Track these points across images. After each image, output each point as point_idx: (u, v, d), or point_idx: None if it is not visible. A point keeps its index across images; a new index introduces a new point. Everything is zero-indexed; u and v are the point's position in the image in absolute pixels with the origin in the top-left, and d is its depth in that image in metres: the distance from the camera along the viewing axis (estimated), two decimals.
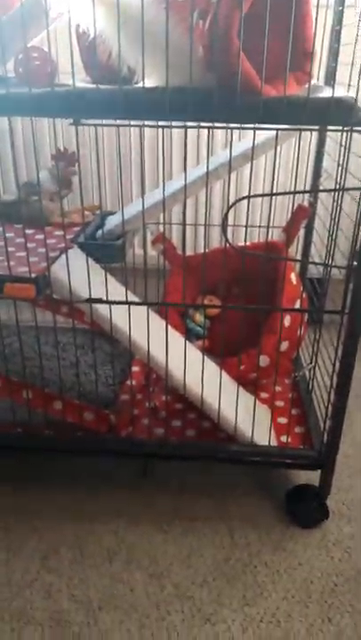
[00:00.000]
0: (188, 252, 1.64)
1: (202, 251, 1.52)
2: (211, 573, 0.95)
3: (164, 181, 0.91)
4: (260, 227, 1.37)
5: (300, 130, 0.81)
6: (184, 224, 1.21)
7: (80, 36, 0.93)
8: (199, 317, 1.36)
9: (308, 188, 1.32)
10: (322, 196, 1.27)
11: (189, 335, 1.36)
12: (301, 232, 1.32)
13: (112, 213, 1.33)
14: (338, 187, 0.94)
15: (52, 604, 0.89)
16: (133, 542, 1.01)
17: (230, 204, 0.86)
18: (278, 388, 1.29)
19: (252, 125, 0.78)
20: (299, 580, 0.94)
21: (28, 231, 1.15)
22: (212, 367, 1.11)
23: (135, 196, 1.64)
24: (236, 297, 1.37)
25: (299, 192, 0.88)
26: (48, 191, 1.19)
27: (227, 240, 0.88)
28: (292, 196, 0.87)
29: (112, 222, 1.25)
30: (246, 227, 1.06)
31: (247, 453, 1.04)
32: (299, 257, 1.38)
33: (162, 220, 1.27)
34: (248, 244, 1.30)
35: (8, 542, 1.01)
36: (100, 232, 1.23)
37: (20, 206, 1.16)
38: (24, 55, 0.85)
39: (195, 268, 1.33)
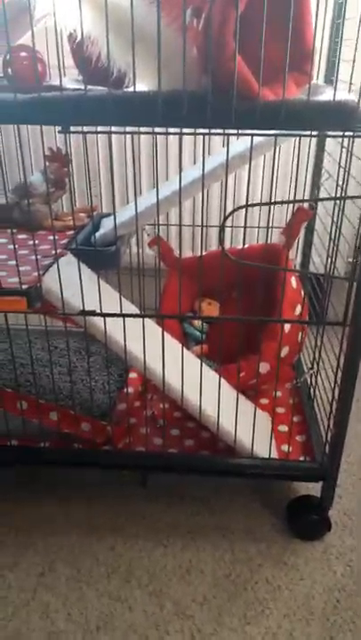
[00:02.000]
0: (188, 254, 1.60)
1: (202, 252, 1.48)
2: (211, 590, 0.93)
3: (157, 184, 0.87)
4: (259, 227, 1.33)
5: (300, 135, 0.76)
6: (180, 225, 1.17)
7: (69, 36, 0.89)
8: (198, 322, 1.33)
9: (308, 186, 1.27)
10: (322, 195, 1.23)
11: (188, 340, 1.33)
12: (302, 232, 1.28)
13: (108, 215, 1.29)
14: (340, 189, 0.91)
15: (49, 625, 0.87)
16: (132, 558, 0.99)
17: (227, 213, 0.82)
18: (279, 394, 1.26)
19: (249, 132, 0.74)
20: (300, 596, 0.92)
21: (21, 236, 1.11)
22: (210, 376, 1.08)
23: (133, 197, 1.61)
24: (235, 300, 1.34)
25: (297, 201, 0.84)
26: (41, 193, 1.15)
27: (223, 250, 0.85)
28: (291, 197, 0.83)
29: (106, 226, 1.21)
30: (245, 229, 1.03)
31: (247, 466, 1.01)
32: (299, 257, 1.34)
33: (159, 222, 1.23)
34: (247, 246, 1.26)
35: (4, 558, 0.99)
36: (95, 236, 1.19)
37: (12, 210, 1.13)
38: (11, 55, 0.81)
39: (193, 271, 1.29)
